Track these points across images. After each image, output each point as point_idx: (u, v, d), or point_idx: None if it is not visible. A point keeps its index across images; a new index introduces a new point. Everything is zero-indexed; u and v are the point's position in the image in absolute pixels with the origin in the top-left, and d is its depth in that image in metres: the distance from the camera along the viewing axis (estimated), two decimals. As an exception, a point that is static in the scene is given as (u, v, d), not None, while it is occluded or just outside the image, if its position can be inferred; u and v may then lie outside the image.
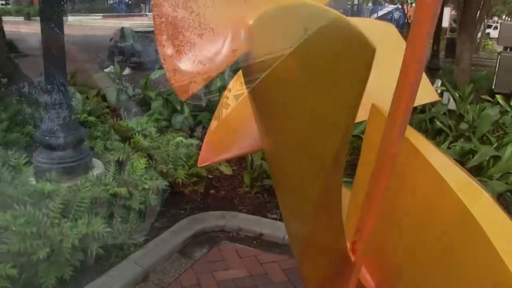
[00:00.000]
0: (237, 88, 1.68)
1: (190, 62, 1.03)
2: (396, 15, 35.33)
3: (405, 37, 0.86)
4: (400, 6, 31.36)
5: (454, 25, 26.45)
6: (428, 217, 1.01)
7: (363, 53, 0.59)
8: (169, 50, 1.03)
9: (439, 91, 6.50)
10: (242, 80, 1.67)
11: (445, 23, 29.33)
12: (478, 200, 1.00)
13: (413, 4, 30.20)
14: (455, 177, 1.00)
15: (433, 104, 5.78)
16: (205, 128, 5.98)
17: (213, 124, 1.70)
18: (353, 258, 1.07)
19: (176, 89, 1.03)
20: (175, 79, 1.03)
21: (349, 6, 33.21)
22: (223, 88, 6.26)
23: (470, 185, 1.00)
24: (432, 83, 5.62)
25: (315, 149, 0.73)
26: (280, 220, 3.94)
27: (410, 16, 30.34)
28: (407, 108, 0.97)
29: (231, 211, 4.04)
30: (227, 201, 4.26)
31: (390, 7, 35.29)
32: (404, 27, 30.68)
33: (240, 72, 1.67)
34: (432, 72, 9.10)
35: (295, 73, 0.77)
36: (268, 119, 1.04)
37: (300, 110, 0.77)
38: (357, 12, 33.11)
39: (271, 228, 3.84)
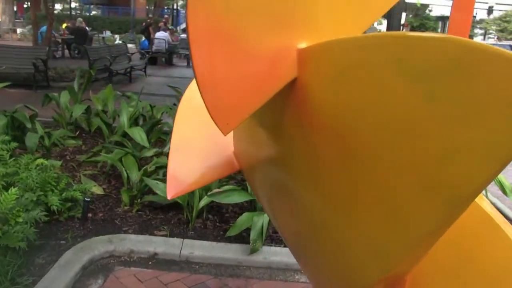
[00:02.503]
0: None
1: (234, 84, 0.91)
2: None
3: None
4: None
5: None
6: (473, 250, 1.07)
7: None
8: (210, 66, 0.88)
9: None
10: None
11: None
12: None
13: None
14: (491, 210, 1.07)
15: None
16: (58, 147, 5.46)
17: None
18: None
19: (217, 119, 0.90)
20: (216, 104, 0.89)
21: (167, 10, 33.12)
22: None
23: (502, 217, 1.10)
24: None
25: (447, 183, 0.73)
26: (171, 236, 3.82)
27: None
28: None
29: (117, 234, 3.78)
30: (109, 223, 3.96)
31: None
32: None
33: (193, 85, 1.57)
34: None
35: (419, 110, 0.75)
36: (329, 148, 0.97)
37: (420, 144, 0.76)
38: (176, 16, 33.22)
39: (163, 245, 3.70)
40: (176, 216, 4.17)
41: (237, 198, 3.85)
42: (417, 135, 0.75)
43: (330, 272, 1.18)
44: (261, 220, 3.66)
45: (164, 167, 4.48)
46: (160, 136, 5.44)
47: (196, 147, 1.58)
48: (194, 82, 1.56)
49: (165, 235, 3.85)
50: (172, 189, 1.53)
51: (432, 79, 0.71)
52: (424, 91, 0.73)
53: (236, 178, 4.71)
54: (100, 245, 3.59)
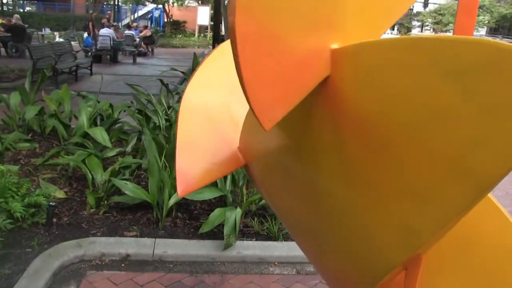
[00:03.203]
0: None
1: (277, 83, 0.94)
2: (157, 13, 36.00)
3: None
4: (160, 6, 31.90)
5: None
6: (474, 236, 1.15)
7: None
8: (256, 67, 0.90)
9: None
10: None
11: (205, 21, 31.08)
12: None
13: (175, 4, 31.11)
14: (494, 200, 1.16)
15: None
16: (10, 151, 5.21)
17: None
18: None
19: (261, 117, 0.93)
20: (260, 103, 0.92)
21: (107, 5, 32.29)
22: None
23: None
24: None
25: (478, 168, 0.79)
26: (141, 236, 3.76)
27: (171, 15, 31.11)
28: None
29: (86, 237, 3.67)
30: (75, 227, 3.84)
31: (150, 6, 35.65)
32: (165, 25, 31.37)
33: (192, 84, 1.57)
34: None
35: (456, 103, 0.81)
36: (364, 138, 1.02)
37: (454, 133, 0.82)
38: (117, 11, 32.39)
39: (135, 246, 3.64)
40: (145, 215, 4.10)
41: (208, 194, 3.84)
42: (451, 126, 0.83)
43: (348, 259, 1.23)
44: (233, 215, 3.67)
45: (129, 167, 4.39)
46: (120, 135, 5.31)
47: (202, 144, 1.59)
48: (194, 82, 1.55)
49: (136, 236, 3.79)
50: (182, 187, 1.53)
51: (467, 77, 0.78)
52: (460, 88, 0.81)
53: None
54: (69, 250, 3.48)
